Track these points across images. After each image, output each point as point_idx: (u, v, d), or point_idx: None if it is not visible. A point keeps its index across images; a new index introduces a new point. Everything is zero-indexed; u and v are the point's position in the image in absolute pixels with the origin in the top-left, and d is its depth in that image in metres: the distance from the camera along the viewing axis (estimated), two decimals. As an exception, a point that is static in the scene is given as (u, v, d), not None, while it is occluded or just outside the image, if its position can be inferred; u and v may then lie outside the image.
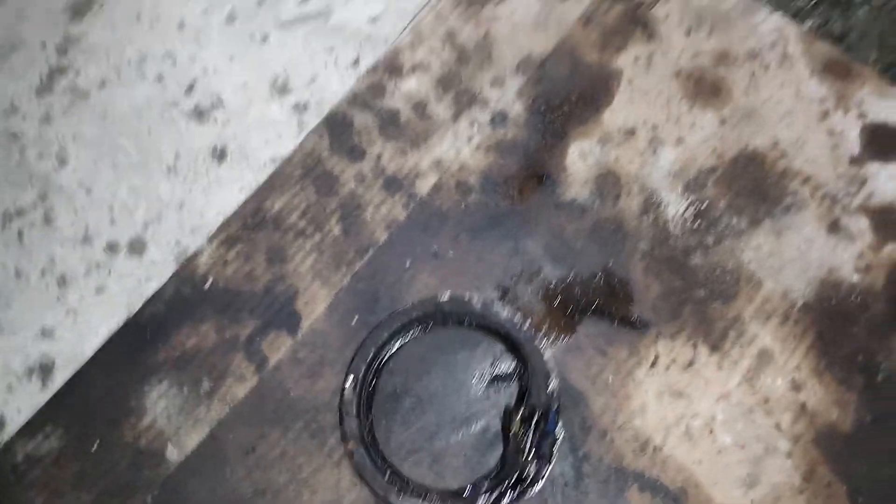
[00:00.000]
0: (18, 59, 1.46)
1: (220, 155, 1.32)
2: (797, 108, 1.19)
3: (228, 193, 1.28)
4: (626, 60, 1.26)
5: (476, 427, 1.07)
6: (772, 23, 1.26)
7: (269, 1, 1.46)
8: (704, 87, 1.23)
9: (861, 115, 1.18)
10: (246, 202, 1.26)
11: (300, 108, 1.34)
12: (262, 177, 1.28)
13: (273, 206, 1.24)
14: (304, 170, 1.26)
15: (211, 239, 1.24)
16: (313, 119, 1.33)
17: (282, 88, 1.36)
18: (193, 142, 1.34)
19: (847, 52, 1.28)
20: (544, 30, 1.32)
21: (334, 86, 1.36)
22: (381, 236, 1.21)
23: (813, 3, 1.35)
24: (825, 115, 1.18)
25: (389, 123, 1.28)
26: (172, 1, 1.48)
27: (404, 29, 1.35)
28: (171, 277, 1.22)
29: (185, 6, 1.47)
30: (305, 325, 1.15)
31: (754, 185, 1.16)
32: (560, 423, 1.04)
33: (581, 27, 1.29)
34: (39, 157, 1.36)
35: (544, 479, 1.01)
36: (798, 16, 1.33)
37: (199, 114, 1.36)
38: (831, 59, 1.22)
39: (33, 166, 1.36)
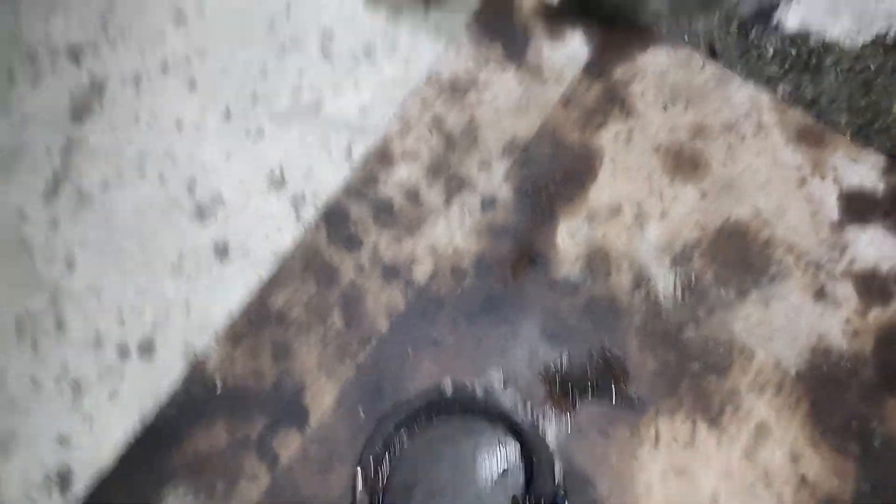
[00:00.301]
0: (24, 165, 1.52)
1: (222, 252, 1.36)
2: (775, 177, 1.24)
3: (232, 290, 1.33)
4: (606, 138, 1.31)
5: (486, 513, 1.10)
6: (745, 93, 1.31)
7: (263, 97, 1.51)
8: (683, 161, 1.27)
9: (837, 181, 1.22)
10: (250, 298, 1.30)
11: (297, 200, 1.39)
12: (264, 272, 1.33)
13: (276, 300, 1.28)
14: (304, 263, 1.31)
15: (218, 337, 1.28)
16: (310, 211, 1.38)
17: (279, 182, 1.41)
18: (196, 240, 1.38)
19: (819, 116, 1.33)
20: (526, 113, 1.37)
21: (329, 177, 1.41)
22: (383, 326, 1.24)
23: (784, 70, 1.40)
24: (803, 182, 1.23)
25: (384, 211, 1.33)
26: (169, 101, 1.54)
27: (391, 121, 1.40)
28: (180, 378, 1.26)
29: (181, 105, 1.53)
30: (314, 419, 1.19)
31: (739, 255, 1.20)
32: (567, 506, 1.07)
33: (562, 108, 1.35)
34: (48, 263, 1.41)
35: (555, 565, 1.03)
36: (770, 83, 1.38)
37: (200, 211, 1.40)
38: (804, 126, 1.27)
39: (43, 272, 1.40)
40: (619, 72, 1.36)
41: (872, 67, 1.40)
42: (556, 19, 1.44)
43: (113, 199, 1.45)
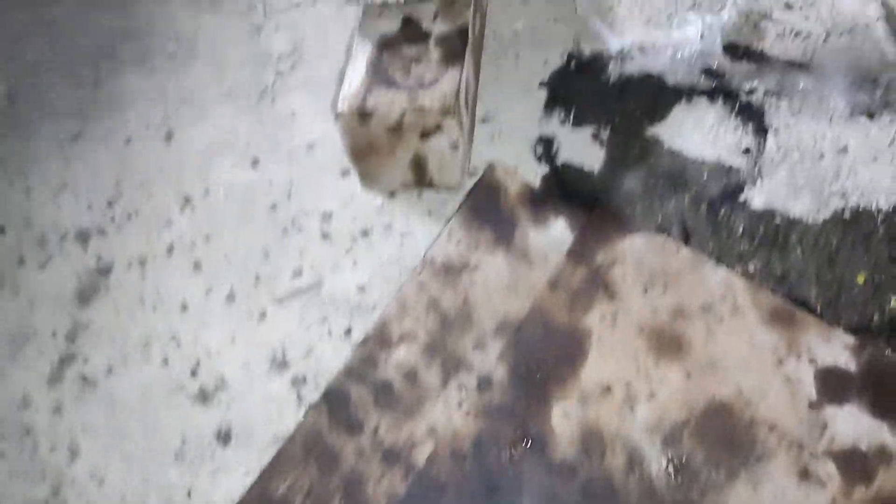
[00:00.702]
0: (30, 349, 1.56)
1: (224, 438, 1.39)
2: (753, 358, 1.32)
3: (234, 478, 1.35)
4: (593, 320, 1.40)
5: None
6: (719, 275, 1.41)
7: (265, 277, 1.59)
8: (666, 342, 1.35)
9: (812, 360, 1.30)
10: (251, 486, 1.32)
11: (299, 382, 1.44)
12: (266, 458, 1.35)
13: (277, 488, 1.31)
14: (305, 448, 1.34)
15: (220, 529, 1.29)
16: (312, 393, 1.42)
17: (280, 364, 1.47)
18: (199, 425, 1.42)
19: (790, 291, 1.43)
20: (516, 294, 1.46)
21: (330, 357, 1.47)
22: (384, 513, 1.27)
23: (754, 246, 1.51)
24: (780, 362, 1.31)
25: (383, 394, 1.38)
26: (174, 283, 1.61)
27: (390, 303, 1.48)
28: (182, 574, 1.26)
29: (186, 288, 1.60)
30: None
31: (726, 435, 1.26)
32: None
33: (549, 290, 1.44)
34: (52, 450, 1.43)
35: None
36: (742, 260, 1.49)
37: (204, 396, 1.45)
38: (776, 307, 1.37)
39: (46, 460, 1.42)
40: (601, 256, 1.46)
41: (834, 242, 1.52)
42: (539, 204, 1.56)
43: (117, 384, 1.50)
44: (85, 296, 1.62)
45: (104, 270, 1.66)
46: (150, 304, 1.59)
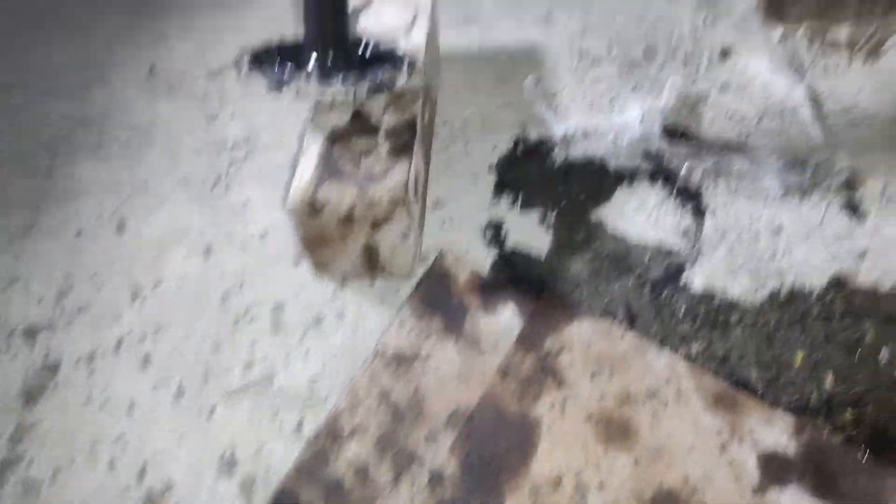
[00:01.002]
0: (-29, 454, 1.51)
1: (172, 545, 1.36)
2: (698, 443, 1.34)
3: (182, 588, 1.31)
4: (543, 408, 1.41)
5: None
6: (663, 360, 1.45)
7: (216, 371, 1.58)
8: (614, 428, 1.37)
9: (754, 445, 1.33)
10: None
11: (248, 484, 1.42)
12: (215, 567, 1.32)
13: None
14: (255, 554, 1.31)
15: None
16: (261, 496, 1.40)
17: (229, 464, 1.45)
18: (145, 532, 1.38)
19: (731, 374, 1.46)
20: (467, 383, 1.47)
21: (280, 454, 1.45)
22: None
23: (695, 327, 1.55)
24: (724, 447, 1.33)
25: (334, 493, 1.37)
26: (122, 380, 1.59)
27: (341, 395, 1.48)
28: None
29: (133, 384, 1.58)
30: None
31: (675, 525, 1.27)
32: None
33: (500, 379, 1.45)
34: (-11, 566, 1.37)
35: None
36: (684, 341, 1.53)
37: (150, 502, 1.41)
38: (719, 390, 1.40)
39: (-18, 577, 1.36)
40: (549, 342, 1.49)
41: (772, 322, 1.57)
42: (489, 290, 1.59)
43: (61, 490, 1.46)
44: (31, 395, 1.59)
45: (52, 367, 1.63)
46: (97, 404, 1.56)
